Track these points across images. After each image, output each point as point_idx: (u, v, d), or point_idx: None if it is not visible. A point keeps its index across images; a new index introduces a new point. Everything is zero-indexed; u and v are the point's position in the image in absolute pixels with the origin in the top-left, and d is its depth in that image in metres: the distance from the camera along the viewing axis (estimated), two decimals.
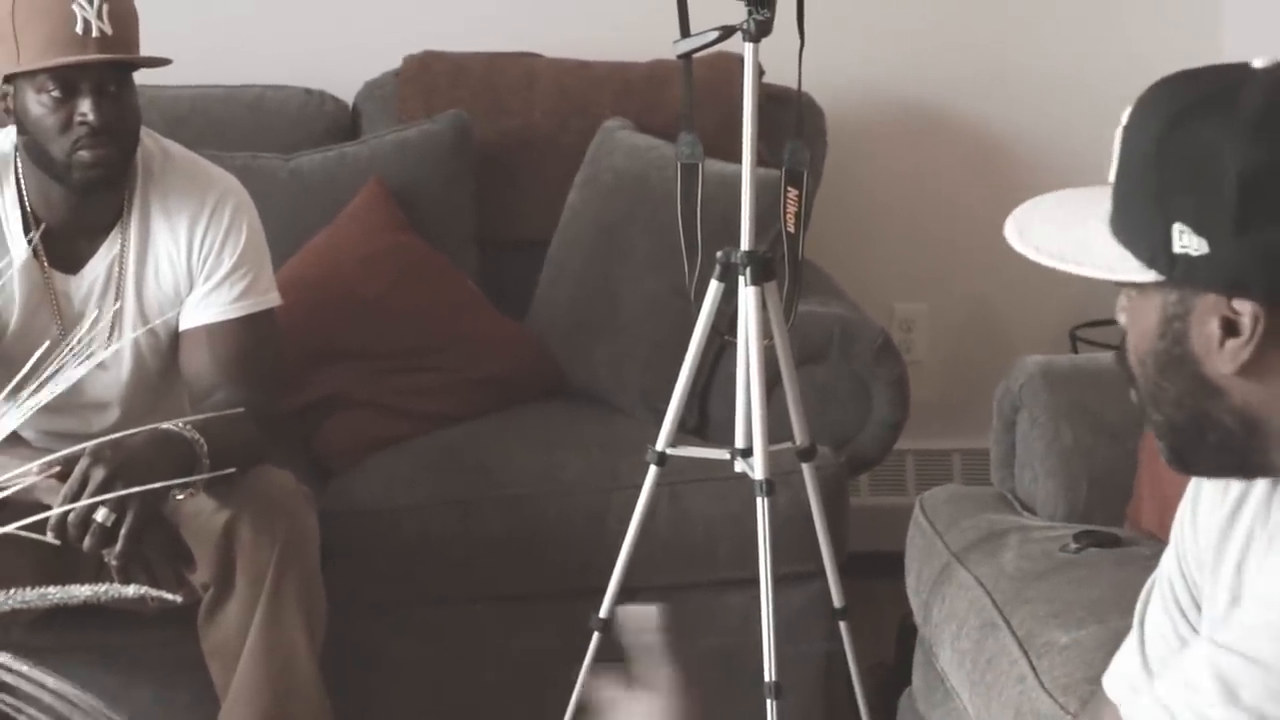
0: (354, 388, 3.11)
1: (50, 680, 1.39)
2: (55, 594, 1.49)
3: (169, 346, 2.68)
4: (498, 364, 3.22)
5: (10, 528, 1.66)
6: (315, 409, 3.08)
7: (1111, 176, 1.35)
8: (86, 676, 2.75)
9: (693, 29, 2.61)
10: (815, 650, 2.98)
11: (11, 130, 2.59)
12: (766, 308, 2.63)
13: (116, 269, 2.62)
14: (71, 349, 1.83)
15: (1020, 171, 3.85)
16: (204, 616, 2.52)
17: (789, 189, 2.65)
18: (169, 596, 1.63)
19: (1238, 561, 1.43)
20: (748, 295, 2.61)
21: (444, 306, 3.25)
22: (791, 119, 2.69)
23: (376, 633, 2.93)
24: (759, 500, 2.60)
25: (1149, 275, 1.31)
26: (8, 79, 2.51)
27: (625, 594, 2.73)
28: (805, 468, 2.74)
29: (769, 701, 2.62)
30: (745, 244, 2.63)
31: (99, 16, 2.45)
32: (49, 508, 2.25)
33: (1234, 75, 1.29)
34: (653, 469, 2.70)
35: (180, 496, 2.41)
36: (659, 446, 2.70)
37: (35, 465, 2.14)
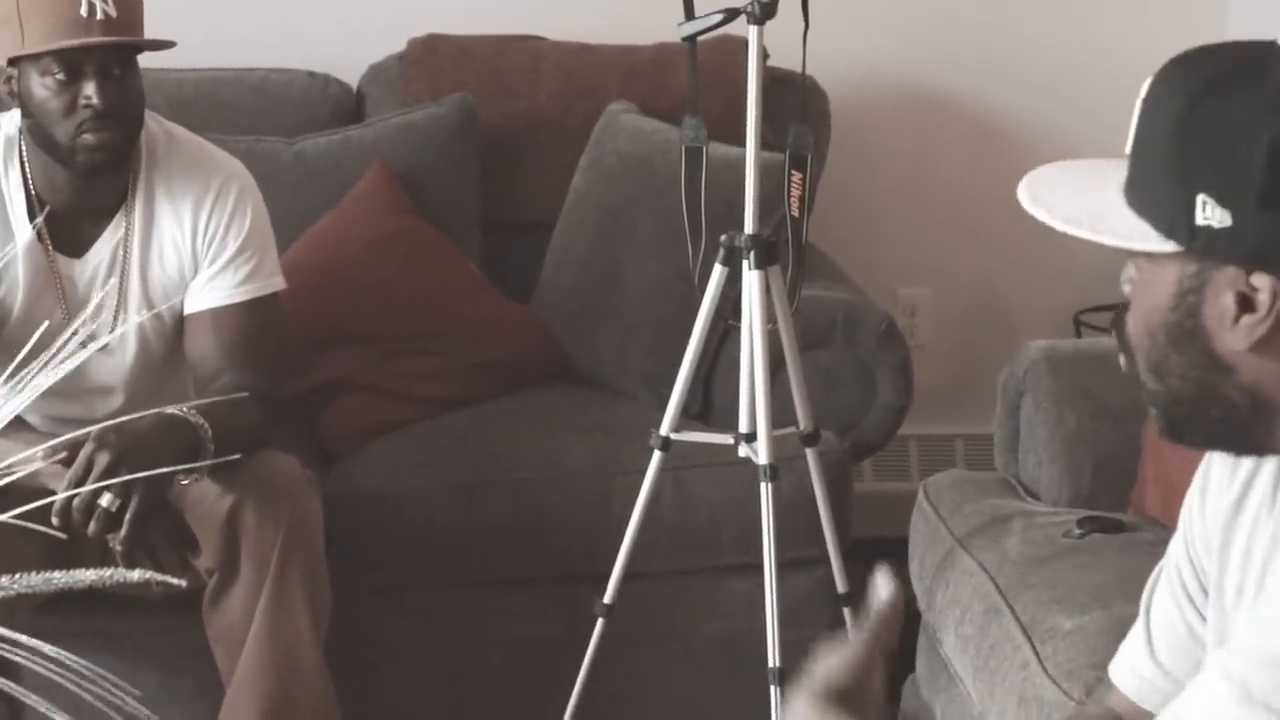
0: (358, 372, 3.11)
1: (48, 648, 1.39)
2: (60, 579, 1.49)
3: (173, 330, 2.68)
4: (502, 348, 3.22)
5: (14, 513, 1.65)
6: (319, 393, 3.08)
7: (1128, 148, 1.34)
8: (91, 662, 2.76)
9: (697, 12, 2.61)
10: (819, 636, 2.97)
11: (16, 114, 2.59)
12: (770, 292, 2.62)
13: (121, 252, 2.62)
14: (75, 333, 1.83)
15: (1025, 156, 3.81)
16: (208, 601, 2.52)
17: (793, 173, 2.65)
18: (173, 581, 1.63)
19: (1245, 547, 1.43)
20: (751, 279, 2.61)
21: (448, 290, 3.25)
22: (796, 103, 2.68)
23: (380, 617, 2.94)
24: (763, 485, 2.60)
25: (1167, 246, 1.30)
26: (12, 62, 2.51)
27: (629, 579, 2.73)
28: (809, 453, 2.74)
29: (773, 687, 2.62)
30: (749, 228, 2.63)
31: None
32: (54, 493, 2.25)
33: (1260, 51, 1.29)
34: (656, 454, 2.70)
35: (185, 481, 2.41)
36: (663, 431, 2.70)
37: (40, 450, 2.14)
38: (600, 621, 2.75)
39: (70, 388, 2.22)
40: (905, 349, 3.12)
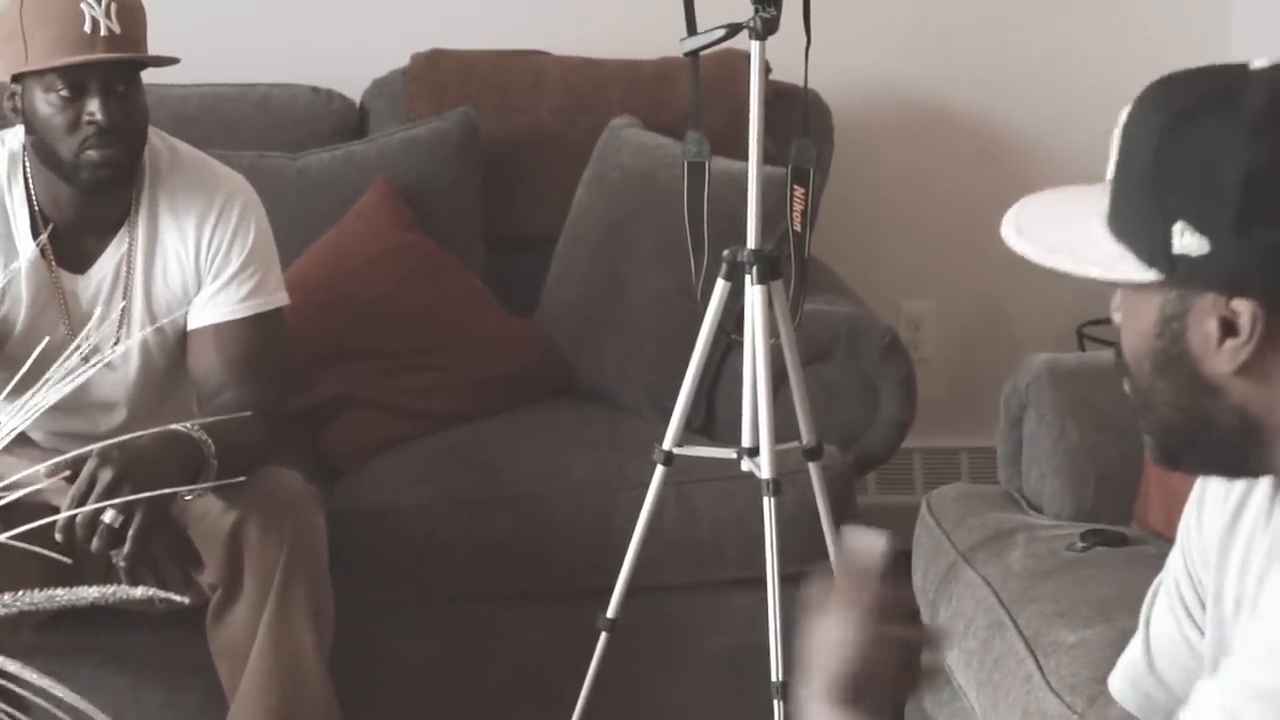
0: (361, 387, 3.11)
1: (58, 689, 1.39)
2: (63, 596, 1.50)
3: (176, 346, 2.68)
4: (505, 363, 3.22)
5: (18, 531, 1.66)
6: (323, 409, 3.08)
7: (1109, 176, 1.35)
8: (95, 678, 2.77)
9: (700, 27, 2.61)
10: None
11: (19, 130, 2.59)
12: (773, 307, 2.63)
13: (124, 268, 2.62)
14: (79, 348, 1.83)
15: (1028, 168, 3.84)
16: (212, 617, 2.52)
17: (795, 187, 2.65)
18: (176, 598, 1.64)
19: (1241, 563, 1.43)
20: (754, 294, 2.61)
21: (451, 305, 3.26)
22: (798, 117, 2.69)
23: (384, 632, 2.94)
24: (766, 500, 2.60)
25: (1148, 274, 1.31)
26: (16, 78, 2.52)
27: (632, 594, 2.73)
28: (812, 467, 2.74)
29: (776, 702, 2.62)
30: (751, 242, 2.63)
31: (107, 15, 2.45)
32: (58, 510, 2.25)
33: (1234, 76, 1.29)
34: (660, 468, 2.70)
35: (188, 497, 2.41)
36: (666, 446, 2.70)
37: (43, 468, 2.15)
38: (603, 636, 2.75)
39: (73, 403, 2.22)
40: (908, 362, 3.12)
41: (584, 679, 2.77)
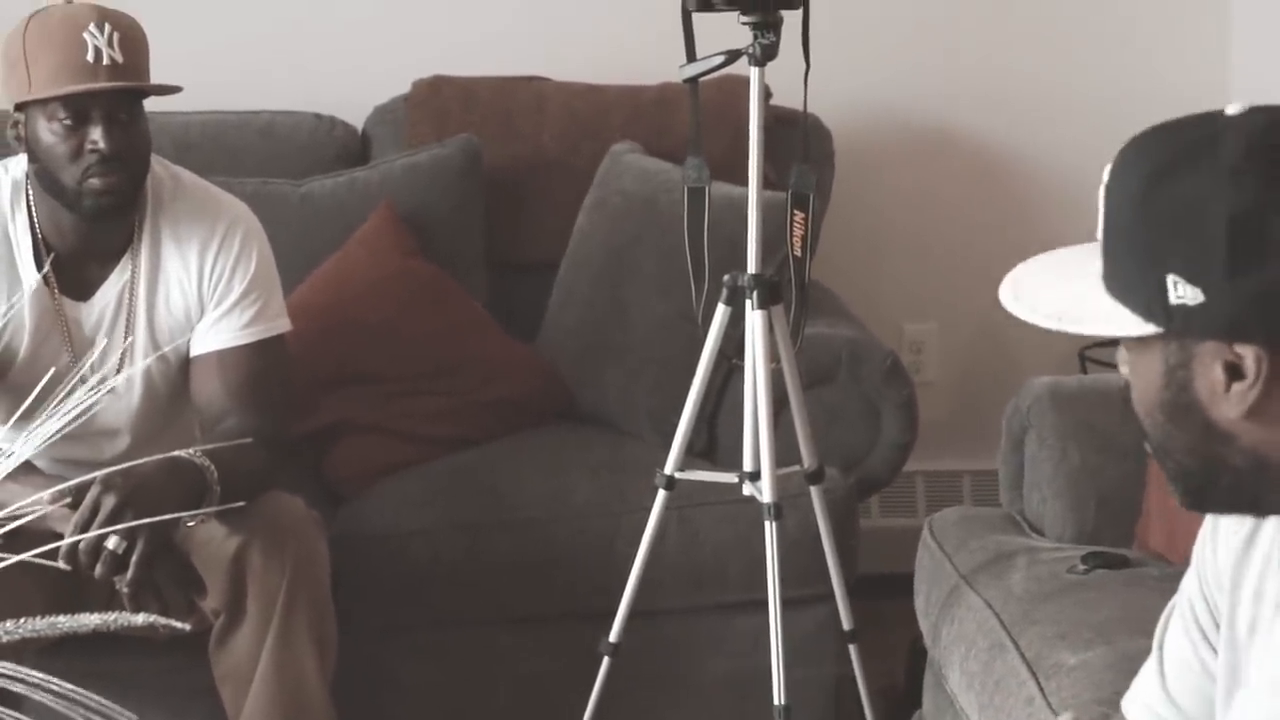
0: (364, 412, 3.12)
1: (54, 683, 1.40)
2: (65, 622, 1.50)
3: (179, 372, 2.69)
4: (507, 387, 3.23)
5: (22, 556, 1.66)
6: (325, 434, 3.08)
7: (1099, 234, 1.36)
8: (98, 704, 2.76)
9: (700, 53, 2.61)
10: (825, 673, 2.98)
11: (22, 158, 2.60)
12: (774, 331, 2.63)
13: (127, 296, 2.63)
14: (82, 376, 1.84)
15: (1028, 191, 3.85)
16: (215, 643, 2.52)
17: (795, 212, 2.66)
18: (179, 624, 1.63)
19: (1257, 584, 1.43)
20: (755, 319, 2.62)
21: (453, 330, 3.26)
22: (798, 141, 2.69)
23: (387, 657, 2.94)
24: (767, 524, 2.60)
25: (1148, 328, 1.32)
26: (19, 107, 2.53)
27: (635, 617, 2.73)
28: (813, 490, 2.74)
29: None
30: (752, 267, 2.64)
31: (110, 44, 2.46)
32: (61, 536, 2.26)
33: (1209, 124, 1.30)
34: (661, 492, 2.71)
35: (191, 524, 2.42)
36: (667, 470, 2.71)
37: (46, 495, 2.15)
38: (606, 660, 2.75)
39: (76, 430, 2.20)
40: (910, 385, 3.12)
41: (587, 703, 2.77)
